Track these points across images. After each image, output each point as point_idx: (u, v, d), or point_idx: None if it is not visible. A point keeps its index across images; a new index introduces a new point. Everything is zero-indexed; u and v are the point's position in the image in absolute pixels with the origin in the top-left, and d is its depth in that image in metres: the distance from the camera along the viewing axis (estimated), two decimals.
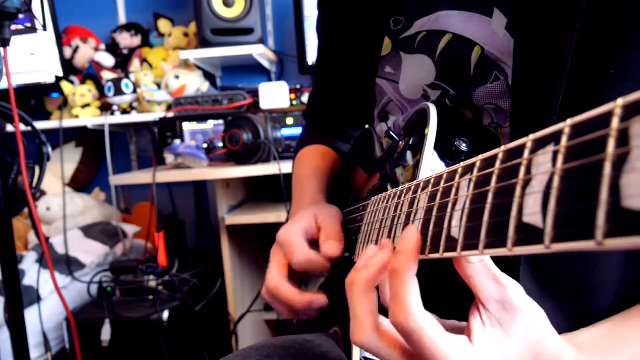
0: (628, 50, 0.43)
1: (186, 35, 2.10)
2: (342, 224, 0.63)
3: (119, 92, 1.92)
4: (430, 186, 0.37)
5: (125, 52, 2.16)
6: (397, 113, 0.69)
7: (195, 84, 2.00)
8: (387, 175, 0.60)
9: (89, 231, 1.80)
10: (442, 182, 0.35)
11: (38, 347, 1.44)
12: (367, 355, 0.59)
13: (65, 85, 1.99)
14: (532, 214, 0.24)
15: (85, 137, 2.25)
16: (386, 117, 0.71)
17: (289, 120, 1.66)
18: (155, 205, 1.81)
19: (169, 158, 1.62)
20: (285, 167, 1.46)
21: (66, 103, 2.06)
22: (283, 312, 0.60)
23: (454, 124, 0.54)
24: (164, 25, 2.12)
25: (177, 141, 1.68)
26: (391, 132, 0.60)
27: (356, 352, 0.55)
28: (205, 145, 1.57)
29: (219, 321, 1.70)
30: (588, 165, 0.21)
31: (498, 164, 0.29)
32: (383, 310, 0.39)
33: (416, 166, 0.52)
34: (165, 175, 1.55)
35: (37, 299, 1.44)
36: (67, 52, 2.13)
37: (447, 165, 0.50)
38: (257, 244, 1.89)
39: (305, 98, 1.78)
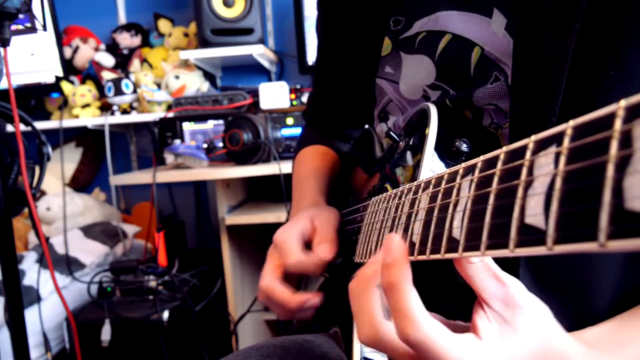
0: (628, 51, 0.43)
1: (186, 35, 2.10)
2: (339, 227, 0.64)
3: (119, 92, 1.92)
4: (431, 187, 0.37)
5: (125, 52, 2.16)
6: (397, 113, 0.69)
7: (195, 84, 2.00)
8: (387, 175, 0.60)
9: (89, 231, 1.80)
10: (443, 182, 0.35)
11: (38, 347, 1.44)
12: (368, 355, 0.59)
13: (65, 85, 1.99)
14: (534, 215, 0.24)
15: (85, 137, 2.25)
16: (386, 117, 0.71)
17: (289, 120, 1.66)
18: (155, 205, 1.81)
19: (169, 158, 1.62)
20: (285, 167, 1.46)
21: (66, 103, 2.06)
22: (278, 312, 0.61)
23: (454, 124, 0.54)
24: (164, 25, 2.12)
25: (177, 141, 1.68)
26: (391, 132, 0.60)
27: (356, 352, 0.55)
28: (205, 145, 1.57)
29: (219, 321, 1.70)
30: (590, 166, 0.21)
31: (500, 164, 0.28)
32: None
33: (416, 166, 0.52)
34: (165, 175, 1.54)
35: (37, 299, 1.44)
36: (67, 52, 2.13)
37: (448, 166, 0.50)
38: (257, 244, 1.89)
39: (305, 98, 1.78)
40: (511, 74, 0.51)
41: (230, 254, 1.64)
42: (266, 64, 2.07)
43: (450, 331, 0.33)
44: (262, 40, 1.89)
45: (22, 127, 1.04)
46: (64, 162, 2.09)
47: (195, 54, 1.86)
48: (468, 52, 0.57)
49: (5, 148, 1.03)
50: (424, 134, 0.52)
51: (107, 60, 2.12)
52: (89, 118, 1.99)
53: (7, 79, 0.97)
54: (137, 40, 2.17)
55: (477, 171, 0.31)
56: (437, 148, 0.51)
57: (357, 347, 0.56)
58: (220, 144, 1.56)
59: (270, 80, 2.18)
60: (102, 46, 2.19)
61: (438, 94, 0.61)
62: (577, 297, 0.47)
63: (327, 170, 0.81)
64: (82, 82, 2.12)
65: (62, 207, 1.90)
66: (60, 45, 1.94)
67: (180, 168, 1.63)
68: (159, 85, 2.05)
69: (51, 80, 1.95)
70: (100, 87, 2.07)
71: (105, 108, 2.04)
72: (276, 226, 0.64)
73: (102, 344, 1.43)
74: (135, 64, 2.09)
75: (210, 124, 1.72)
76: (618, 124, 0.20)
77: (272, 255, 0.62)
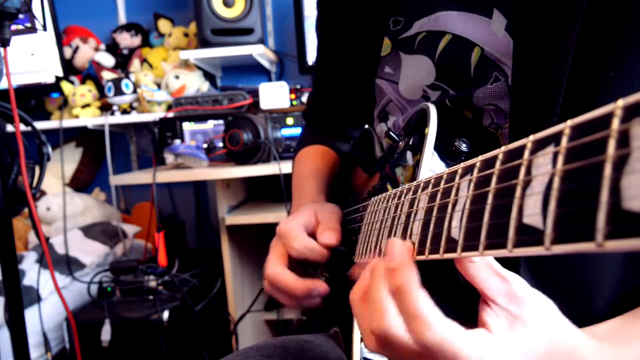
0: (628, 51, 0.43)
1: (186, 35, 2.10)
2: (341, 220, 0.64)
3: (119, 92, 1.92)
4: (430, 186, 0.37)
5: (125, 52, 2.16)
6: (397, 113, 0.69)
7: (195, 84, 2.00)
8: (387, 175, 0.60)
9: (89, 231, 1.80)
10: (442, 182, 0.35)
11: (38, 347, 1.44)
12: (367, 355, 0.59)
13: (65, 85, 1.99)
14: (532, 215, 0.24)
15: (85, 137, 2.25)
16: (386, 118, 0.71)
17: (289, 120, 1.66)
18: (155, 205, 1.81)
19: (169, 158, 1.62)
20: (285, 167, 1.46)
21: (66, 103, 2.06)
22: (284, 300, 0.60)
23: (453, 124, 0.54)
24: (164, 25, 2.12)
25: (177, 141, 1.68)
26: (391, 132, 0.60)
27: (356, 353, 0.55)
28: (205, 145, 1.57)
29: (219, 321, 1.70)
30: (588, 166, 0.21)
31: (498, 164, 0.29)
32: None
33: (416, 166, 0.52)
34: (165, 175, 1.54)
35: (37, 299, 1.44)
36: (67, 52, 2.13)
37: (447, 166, 0.50)
38: (257, 244, 1.89)
39: (305, 98, 1.78)
40: (511, 75, 0.51)
41: (230, 254, 1.64)
42: (266, 64, 2.07)
43: (463, 328, 0.33)
44: (262, 40, 1.89)
45: (22, 127, 1.04)
46: (64, 162, 2.09)
47: (195, 54, 1.86)
48: (468, 52, 0.57)
49: (5, 148, 1.03)
50: (423, 134, 0.52)
51: (107, 60, 2.12)
52: (89, 118, 1.99)
53: (7, 79, 0.97)
54: (137, 40, 2.17)
55: (475, 171, 0.31)
56: (437, 148, 0.51)
57: (357, 347, 0.56)
58: (220, 144, 1.56)
59: (270, 80, 2.18)
60: (102, 46, 2.19)
61: (438, 94, 0.61)
62: (577, 297, 0.47)
63: (327, 170, 0.81)
64: (82, 82, 2.12)
65: (62, 207, 1.90)
66: (60, 45, 1.94)
67: (180, 168, 1.63)
68: (159, 85, 2.05)
69: (51, 80, 1.95)
70: (100, 87, 2.07)
71: (105, 108, 2.04)
72: (276, 226, 0.64)
73: (102, 344, 1.43)
74: (135, 64, 2.09)
75: (210, 124, 1.72)
76: (616, 124, 0.20)
77: (276, 245, 0.62)
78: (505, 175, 0.27)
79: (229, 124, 1.52)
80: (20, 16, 0.94)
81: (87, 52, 2.15)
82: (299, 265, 0.63)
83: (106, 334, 1.43)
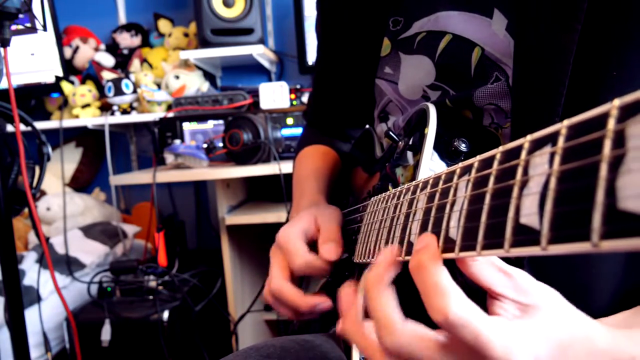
0: (629, 51, 0.43)
1: (186, 35, 2.10)
2: (342, 225, 0.63)
3: (119, 92, 1.93)
4: (429, 187, 0.37)
5: (125, 52, 2.16)
6: (397, 113, 0.69)
7: (195, 84, 2.00)
8: (387, 175, 0.60)
9: (89, 231, 1.80)
10: (441, 182, 0.35)
11: (38, 347, 1.44)
12: None
13: (65, 85, 1.99)
14: (529, 215, 0.24)
15: (85, 137, 2.25)
16: (386, 118, 0.71)
17: (289, 120, 1.66)
18: (155, 205, 1.81)
19: (169, 158, 1.62)
20: (285, 167, 1.46)
21: (66, 103, 2.06)
22: (286, 314, 0.59)
23: (453, 124, 0.54)
24: (164, 25, 2.12)
25: (177, 141, 1.68)
26: (391, 132, 0.60)
27: (356, 353, 0.55)
28: (205, 145, 1.57)
29: (219, 321, 1.70)
30: (584, 166, 0.21)
31: (496, 164, 0.29)
32: None
33: (416, 166, 0.52)
34: (165, 175, 1.55)
35: (37, 299, 1.44)
36: (67, 52, 2.13)
37: (447, 166, 0.50)
38: (257, 244, 1.89)
39: (305, 98, 1.78)
40: (512, 75, 0.51)
41: (230, 254, 1.64)
42: (266, 64, 2.07)
43: (484, 312, 0.31)
44: (262, 40, 1.89)
45: (22, 127, 1.04)
46: (64, 162, 2.09)
47: (195, 54, 1.86)
48: (468, 52, 0.57)
49: (5, 148, 1.03)
50: (423, 134, 0.52)
51: (107, 60, 2.12)
52: (89, 118, 1.99)
53: (7, 79, 0.97)
54: (137, 40, 2.17)
55: (473, 171, 0.31)
56: (437, 148, 0.51)
57: (356, 347, 0.56)
58: (220, 144, 1.56)
59: (270, 80, 2.18)
60: (102, 46, 2.19)
61: (438, 94, 0.61)
62: (578, 296, 0.47)
63: (328, 170, 0.81)
64: (82, 82, 2.12)
65: (62, 207, 1.90)
66: (60, 45, 1.94)
67: (180, 168, 1.63)
68: (159, 85, 2.06)
69: (51, 80, 1.95)
70: (100, 87, 2.07)
71: (105, 108, 2.04)
72: (276, 226, 0.63)
73: (102, 344, 1.43)
74: (135, 64, 2.09)
75: (210, 124, 1.72)
76: (611, 124, 0.20)
77: (276, 255, 0.60)
78: (503, 175, 0.27)
79: (229, 124, 1.52)
80: (20, 16, 0.94)
81: (87, 52, 2.15)
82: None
83: (106, 334, 1.43)
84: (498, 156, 0.29)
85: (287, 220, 0.73)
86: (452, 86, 0.60)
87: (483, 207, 0.28)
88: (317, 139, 0.88)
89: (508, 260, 0.36)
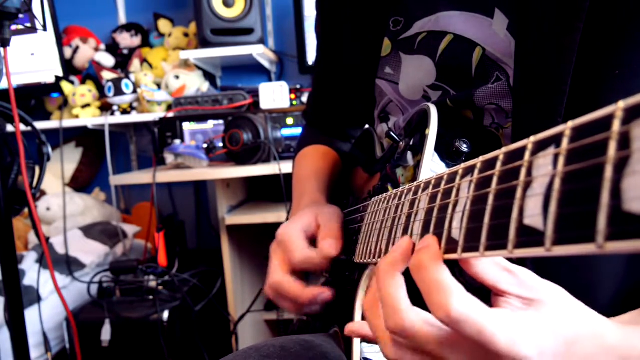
0: (631, 51, 0.43)
1: (186, 35, 2.10)
2: (342, 223, 0.63)
3: (119, 92, 1.92)
4: (431, 187, 0.37)
5: (125, 52, 2.16)
6: (398, 114, 0.69)
7: (195, 84, 2.00)
8: (387, 175, 0.60)
9: (89, 231, 1.80)
10: (443, 183, 0.35)
11: (38, 347, 1.44)
12: (368, 355, 0.59)
13: (65, 85, 1.99)
14: (533, 216, 0.24)
15: (85, 137, 2.25)
16: (386, 118, 0.71)
17: (289, 120, 1.66)
18: (155, 205, 1.81)
19: (169, 158, 1.62)
20: (285, 167, 1.46)
21: (66, 103, 2.06)
22: (288, 307, 0.60)
23: (454, 124, 0.54)
24: (164, 25, 2.12)
25: (177, 141, 1.68)
26: (392, 133, 0.60)
27: (356, 353, 0.55)
28: (205, 145, 1.57)
29: (219, 321, 1.70)
30: (589, 168, 0.21)
31: (499, 165, 0.29)
32: None
33: (417, 166, 0.52)
34: (165, 175, 1.54)
35: (37, 299, 1.44)
36: (67, 52, 2.13)
37: (448, 166, 0.50)
38: (257, 244, 1.89)
39: (305, 98, 1.78)
40: (513, 75, 0.51)
41: (230, 254, 1.64)
42: (266, 64, 2.07)
43: (486, 307, 0.31)
44: (262, 40, 1.89)
45: (22, 127, 1.04)
46: (64, 162, 2.09)
47: (195, 54, 1.86)
48: (469, 52, 0.57)
49: (5, 148, 1.03)
50: (424, 134, 0.52)
51: (107, 60, 2.12)
52: (89, 118, 1.99)
53: (7, 79, 0.97)
54: (137, 40, 2.17)
55: (476, 172, 0.31)
56: (438, 148, 0.51)
57: (357, 347, 0.56)
58: (220, 144, 1.56)
59: (270, 80, 2.18)
60: (102, 46, 2.19)
61: (439, 95, 0.61)
62: (580, 296, 0.47)
63: (328, 169, 0.81)
64: (82, 82, 2.12)
65: (62, 207, 1.90)
66: (60, 45, 1.93)
67: (180, 168, 1.63)
68: (159, 85, 2.05)
69: (51, 80, 1.95)
70: (100, 87, 2.07)
71: (105, 108, 2.04)
72: (276, 226, 0.63)
73: (102, 344, 1.43)
74: (135, 64, 2.09)
75: (210, 124, 1.72)
76: (616, 125, 0.20)
77: (277, 251, 0.61)
78: (506, 176, 0.27)
79: (229, 124, 1.52)
80: (20, 16, 0.94)
81: (87, 52, 2.15)
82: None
83: (106, 334, 1.43)
84: (501, 157, 0.29)
85: (287, 220, 0.73)
86: (452, 86, 0.60)
87: (486, 208, 0.28)
88: (317, 139, 0.88)
89: (510, 259, 0.36)
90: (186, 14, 2.17)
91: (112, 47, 2.18)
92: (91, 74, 2.14)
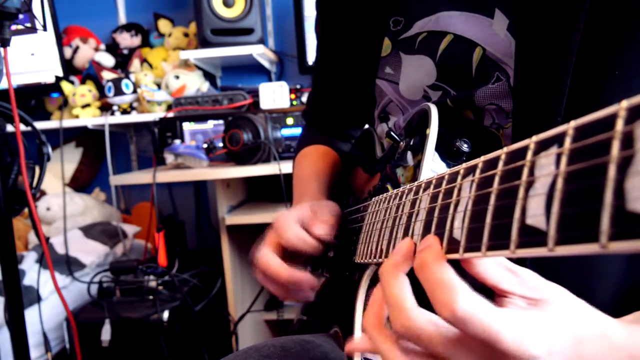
0: (631, 51, 0.43)
1: (186, 35, 2.10)
2: (339, 217, 0.64)
3: (119, 92, 1.92)
4: (432, 187, 0.37)
5: (125, 52, 2.16)
6: (398, 114, 0.68)
7: (195, 84, 2.00)
8: (387, 175, 0.60)
9: (89, 231, 1.80)
10: (444, 183, 0.35)
11: (38, 347, 1.44)
12: (368, 355, 0.59)
13: (65, 85, 1.99)
14: (536, 216, 0.24)
15: (85, 137, 2.25)
16: (386, 118, 0.71)
17: (289, 120, 1.65)
18: (155, 205, 1.81)
19: (169, 158, 1.62)
20: (285, 167, 1.46)
21: (66, 103, 2.06)
22: (273, 289, 0.60)
23: (455, 124, 0.54)
24: (164, 25, 2.12)
25: (177, 141, 1.68)
26: (392, 133, 0.60)
27: (357, 353, 0.55)
28: (205, 145, 1.57)
29: (219, 321, 1.70)
30: (592, 167, 0.21)
31: (501, 165, 0.28)
32: None
33: (417, 166, 0.52)
34: (165, 175, 1.54)
35: (37, 299, 1.44)
36: (67, 52, 2.12)
37: (448, 166, 0.50)
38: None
39: (305, 98, 1.78)
40: (513, 75, 0.51)
41: (230, 254, 1.64)
42: (266, 64, 2.07)
43: (491, 305, 0.30)
44: (262, 40, 1.89)
45: (22, 127, 1.04)
46: (64, 162, 2.09)
47: (195, 54, 1.86)
48: (470, 52, 0.57)
49: (5, 148, 1.03)
50: (424, 134, 0.52)
51: (107, 60, 2.12)
52: (89, 118, 1.99)
53: (7, 79, 0.97)
54: (137, 40, 2.17)
55: (478, 172, 0.31)
56: (438, 148, 0.51)
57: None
58: (220, 144, 1.56)
59: (270, 80, 2.18)
60: (102, 46, 2.19)
61: (439, 95, 0.61)
62: (581, 296, 0.47)
63: (328, 170, 0.81)
64: (82, 82, 2.12)
65: (62, 207, 1.90)
66: (60, 45, 1.93)
67: (180, 168, 1.63)
68: (159, 85, 2.05)
69: (51, 80, 1.95)
70: (100, 87, 2.07)
71: (105, 108, 2.04)
72: None
73: (102, 344, 1.43)
74: (135, 64, 2.09)
75: (210, 124, 1.72)
76: (620, 125, 0.20)
77: (270, 235, 0.62)
78: (508, 176, 0.27)
79: (229, 124, 1.52)
80: (20, 16, 0.94)
81: (87, 52, 2.15)
82: (298, 263, 0.63)
83: (106, 334, 1.43)
84: (503, 157, 0.29)
85: None
86: (453, 86, 0.60)
87: (488, 207, 0.28)
88: (316, 139, 0.88)
89: (511, 259, 0.36)
90: (186, 14, 2.17)
91: (112, 47, 2.18)
92: (91, 74, 2.14)
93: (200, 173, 1.54)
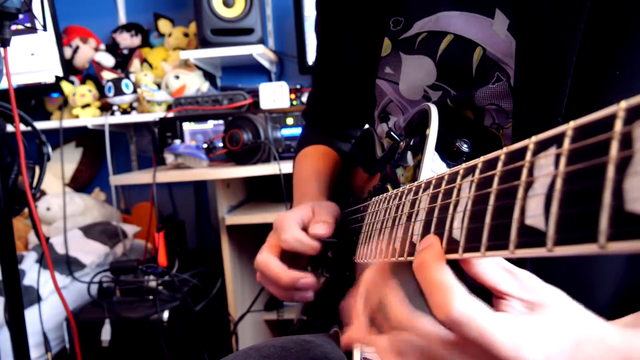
0: (632, 51, 0.43)
1: (186, 35, 2.10)
2: (338, 217, 0.64)
3: (119, 92, 1.92)
4: (432, 187, 0.37)
5: (125, 52, 2.16)
6: (398, 114, 0.69)
7: (195, 84, 2.00)
8: (387, 175, 0.60)
9: (89, 231, 1.80)
10: (444, 183, 0.35)
11: (38, 347, 1.44)
12: (368, 355, 0.59)
13: (65, 85, 1.99)
14: (535, 216, 0.24)
15: (85, 137, 2.25)
16: (386, 118, 0.71)
17: (289, 120, 1.65)
18: (155, 205, 1.81)
19: (169, 158, 1.62)
20: (285, 167, 1.46)
21: (66, 103, 2.06)
22: (274, 291, 0.60)
23: (455, 124, 0.54)
24: (164, 25, 2.12)
25: (177, 141, 1.68)
26: (392, 133, 0.60)
27: (356, 353, 0.55)
28: (205, 145, 1.57)
29: (219, 321, 1.70)
30: (591, 168, 0.21)
31: (500, 165, 0.28)
32: None
33: (417, 166, 0.52)
34: (165, 175, 1.54)
35: (37, 299, 1.44)
36: (67, 52, 2.12)
37: (448, 166, 0.50)
38: (257, 244, 1.87)
39: (305, 98, 1.78)
40: (514, 75, 0.51)
41: (230, 254, 1.64)
42: (266, 64, 2.07)
43: (488, 309, 0.30)
44: (262, 40, 1.89)
45: (22, 127, 1.04)
46: (64, 162, 2.09)
47: (195, 54, 1.86)
48: (470, 52, 0.57)
49: (5, 148, 1.03)
50: (424, 134, 0.52)
51: (107, 60, 2.12)
52: (89, 118, 1.99)
53: (7, 79, 0.97)
54: (137, 40, 2.17)
55: (477, 172, 0.31)
56: (438, 148, 0.51)
57: (357, 348, 0.56)
58: (220, 144, 1.56)
59: (270, 80, 2.18)
60: (102, 46, 2.19)
61: (439, 95, 0.61)
62: (580, 297, 0.47)
63: (328, 170, 0.81)
64: (82, 82, 2.12)
65: (62, 207, 1.90)
66: (60, 45, 1.93)
67: (180, 168, 1.63)
68: (159, 85, 2.05)
69: (51, 80, 1.95)
70: (100, 87, 2.07)
71: (105, 108, 2.04)
72: None
73: (102, 344, 1.43)
74: (135, 64, 2.09)
75: (210, 124, 1.72)
76: (618, 125, 0.20)
77: (270, 236, 0.63)
78: (507, 177, 0.27)
79: (229, 124, 1.52)
80: (20, 16, 0.94)
81: (87, 52, 2.15)
82: (298, 264, 0.63)
83: (106, 334, 1.43)
84: (502, 157, 0.29)
85: None
86: (453, 86, 0.60)
87: (487, 208, 0.28)
88: (317, 139, 0.88)
89: (509, 259, 0.36)
90: (186, 14, 2.17)
91: (112, 47, 2.18)
92: (91, 74, 2.14)
93: (200, 173, 1.54)
